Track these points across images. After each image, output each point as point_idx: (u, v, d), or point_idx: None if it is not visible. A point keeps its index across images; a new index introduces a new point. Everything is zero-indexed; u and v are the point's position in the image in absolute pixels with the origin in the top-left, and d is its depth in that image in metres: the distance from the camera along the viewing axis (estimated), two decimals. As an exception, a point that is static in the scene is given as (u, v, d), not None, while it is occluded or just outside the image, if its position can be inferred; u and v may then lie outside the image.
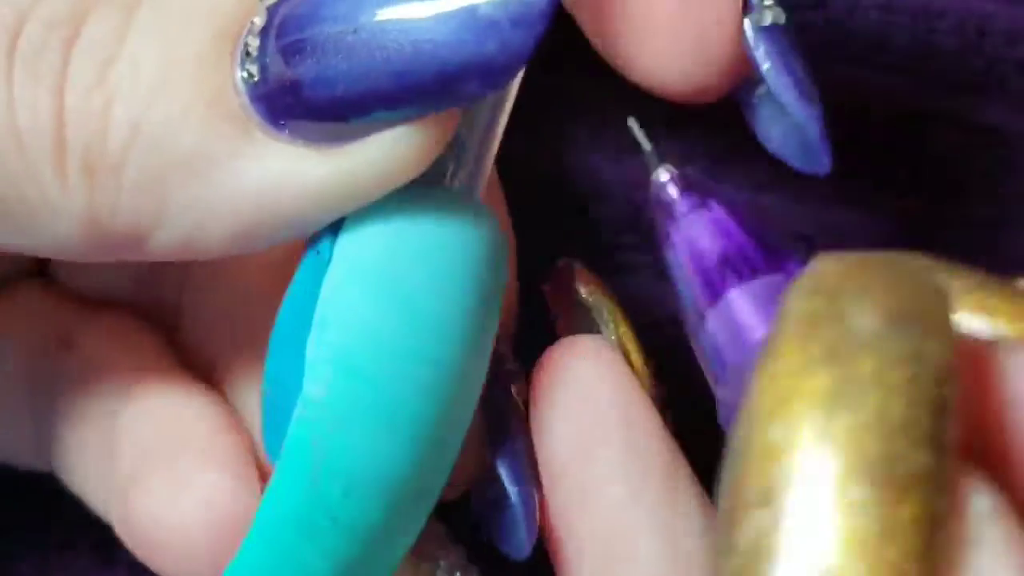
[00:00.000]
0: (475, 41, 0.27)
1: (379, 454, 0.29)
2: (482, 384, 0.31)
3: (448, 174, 0.31)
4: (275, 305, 0.34)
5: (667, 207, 0.32)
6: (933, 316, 0.23)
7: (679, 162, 0.41)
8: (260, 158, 0.29)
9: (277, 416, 0.30)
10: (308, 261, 0.30)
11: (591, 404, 0.31)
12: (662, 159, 0.33)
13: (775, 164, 0.41)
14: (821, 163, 0.33)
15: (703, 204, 0.32)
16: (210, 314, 0.35)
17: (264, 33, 0.29)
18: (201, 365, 0.35)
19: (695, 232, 0.32)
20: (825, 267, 0.24)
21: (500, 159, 0.32)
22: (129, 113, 0.28)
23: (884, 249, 0.40)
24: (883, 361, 0.22)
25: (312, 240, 0.30)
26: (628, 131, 0.34)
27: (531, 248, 0.38)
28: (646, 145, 0.32)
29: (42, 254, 0.30)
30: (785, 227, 0.41)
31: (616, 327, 0.32)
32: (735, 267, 0.31)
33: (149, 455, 0.33)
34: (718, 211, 0.32)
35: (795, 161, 0.33)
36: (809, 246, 0.41)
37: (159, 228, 0.29)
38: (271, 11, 0.29)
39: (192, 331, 0.36)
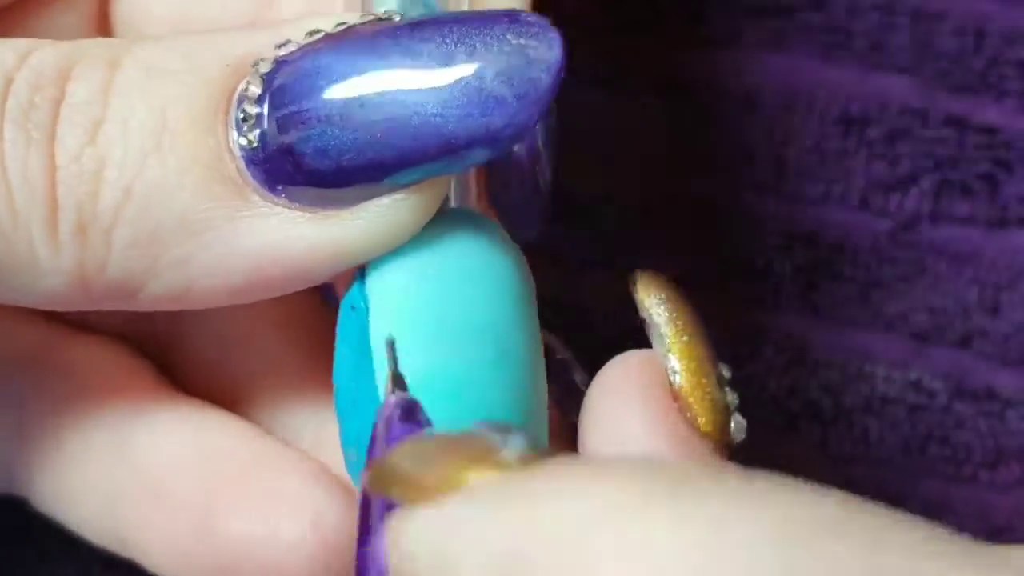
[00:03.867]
0: (481, 114, 0.28)
1: None
2: (545, 374, 0.31)
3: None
4: (289, 324, 0.34)
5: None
6: None
7: (679, 162, 0.41)
8: (256, 222, 0.29)
9: None
10: (346, 319, 0.30)
11: (611, 417, 0.31)
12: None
13: (775, 164, 0.41)
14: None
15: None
16: (220, 339, 0.35)
17: (261, 101, 0.29)
18: (208, 394, 0.34)
19: None
20: None
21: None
22: (122, 176, 0.29)
23: (888, 251, 0.41)
24: None
25: (344, 298, 0.30)
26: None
27: (533, 249, 0.38)
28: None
29: (25, 304, 0.30)
30: (785, 227, 0.41)
31: (669, 345, 0.32)
32: None
33: (223, 478, 0.32)
34: None
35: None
36: (809, 246, 0.41)
37: (148, 284, 0.29)
38: (267, 79, 0.29)
39: (196, 357, 0.35)
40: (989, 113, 0.41)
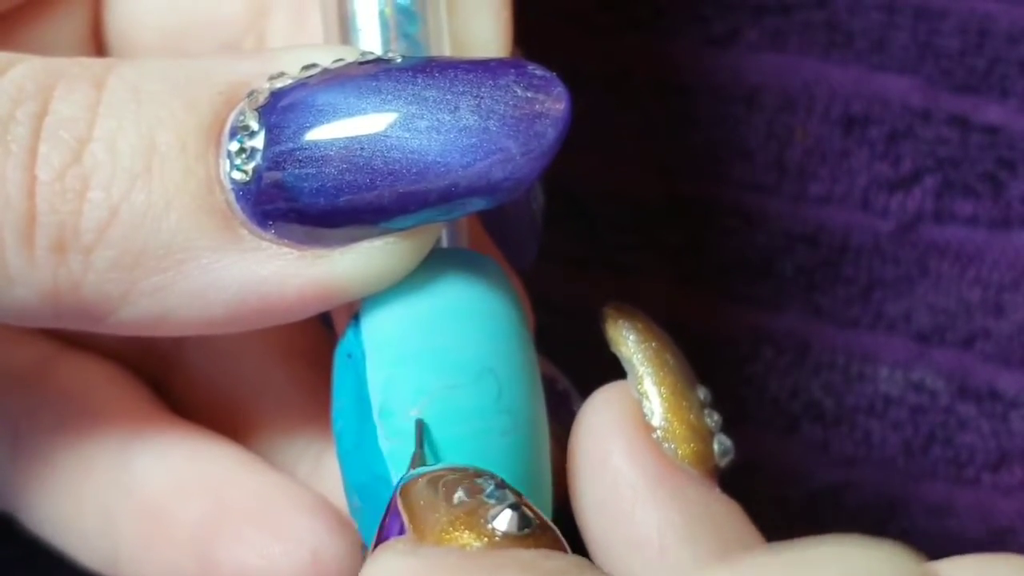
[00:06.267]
0: (484, 166, 0.28)
1: None
2: (545, 409, 0.31)
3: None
4: (291, 348, 0.34)
5: None
6: None
7: (679, 162, 0.41)
8: (242, 256, 0.29)
9: (378, 518, 0.29)
10: (342, 367, 0.30)
11: (592, 459, 0.31)
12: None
13: (775, 164, 0.41)
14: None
15: None
16: (221, 361, 0.35)
17: (257, 135, 0.28)
18: (206, 418, 0.34)
19: None
20: None
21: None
22: (108, 197, 0.28)
23: (890, 251, 0.41)
24: None
25: (339, 344, 0.30)
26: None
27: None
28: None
29: None
30: (786, 227, 0.41)
31: (641, 378, 0.32)
32: None
33: (222, 507, 0.32)
34: None
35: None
36: (811, 246, 0.41)
37: (122, 309, 0.29)
38: (264, 112, 0.28)
39: (196, 379, 0.35)
40: (992, 112, 0.41)
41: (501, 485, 0.27)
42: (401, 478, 0.28)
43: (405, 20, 0.31)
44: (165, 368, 0.35)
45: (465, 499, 0.26)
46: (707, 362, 0.41)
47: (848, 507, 0.40)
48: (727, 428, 0.31)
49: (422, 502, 0.27)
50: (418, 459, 0.28)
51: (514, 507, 0.26)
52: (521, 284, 0.33)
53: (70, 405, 0.33)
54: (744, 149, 0.41)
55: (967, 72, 0.41)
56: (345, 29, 0.31)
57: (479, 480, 0.27)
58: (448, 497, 0.27)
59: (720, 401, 0.38)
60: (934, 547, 0.41)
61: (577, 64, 0.41)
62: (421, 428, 0.29)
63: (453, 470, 0.28)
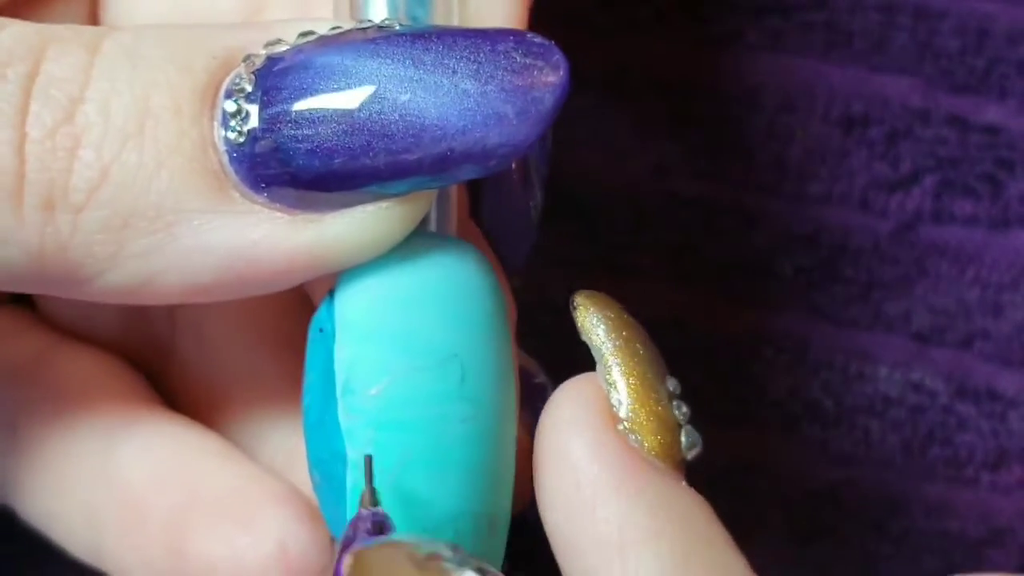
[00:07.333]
0: (480, 130, 0.28)
1: (443, 495, 0.29)
2: (515, 401, 0.31)
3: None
4: (285, 337, 0.34)
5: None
6: None
7: (678, 162, 0.41)
8: (233, 219, 0.28)
9: (333, 496, 0.30)
10: (314, 340, 0.30)
11: (554, 454, 0.30)
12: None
13: (775, 164, 0.41)
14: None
15: None
16: (212, 349, 0.34)
17: (252, 97, 0.28)
18: (196, 407, 0.34)
19: None
20: None
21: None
22: (99, 157, 0.28)
23: (889, 251, 0.41)
24: None
25: (314, 318, 0.30)
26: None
27: (533, 249, 0.38)
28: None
29: None
30: (786, 227, 0.41)
31: (609, 366, 0.31)
32: None
33: (195, 498, 0.32)
34: None
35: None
36: (810, 246, 0.41)
37: (108, 272, 0.29)
38: (259, 75, 0.28)
39: (188, 367, 0.35)
40: (991, 113, 0.41)
41: (457, 550, 0.26)
42: (355, 549, 0.27)
43: (414, 1, 0.31)
44: (161, 359, 0.35)
45: (425, 563, 0.26)
46: (707, 362, 0.41)
47: (848, 507, 0.40)
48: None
49: (376, 571, 0.26)
50: (367, 497, 0.28)
51: (477, 570, 0.26)
52: (504, 276, 0.33)
53: (63, 397, 0.33)
54: (744, 149, 0.41)
55: (967, 72, 0.41)
56: (356, 9, 0.31)
57: (434, 547, 0.27)
58: (409, 562, 0.26)
59: (720, 401, 0.38)
60: (934, 547, 0.41)
61: (577, 64, 0.41)
62: (371, 464, 0.28)
63: (404, 540, 0.27)
